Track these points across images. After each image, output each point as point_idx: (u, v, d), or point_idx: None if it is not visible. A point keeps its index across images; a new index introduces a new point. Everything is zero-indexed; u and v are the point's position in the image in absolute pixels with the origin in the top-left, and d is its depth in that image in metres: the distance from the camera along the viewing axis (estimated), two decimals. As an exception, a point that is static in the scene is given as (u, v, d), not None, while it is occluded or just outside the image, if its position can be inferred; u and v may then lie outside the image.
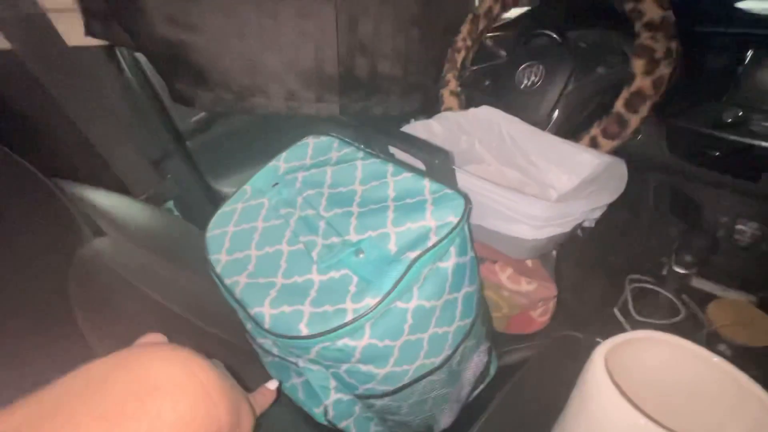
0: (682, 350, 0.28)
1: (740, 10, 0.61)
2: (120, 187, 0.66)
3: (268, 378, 0.43)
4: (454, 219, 0.34)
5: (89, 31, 0.57)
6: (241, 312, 0.38)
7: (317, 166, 0.46)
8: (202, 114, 0.85)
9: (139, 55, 0.66)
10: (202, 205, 0.79)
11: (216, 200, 0.80)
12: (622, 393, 0.25)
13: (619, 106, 0.55)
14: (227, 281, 0.38)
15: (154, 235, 0.51)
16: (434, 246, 0.33)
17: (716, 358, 0.27)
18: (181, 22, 0.57)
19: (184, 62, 0.60)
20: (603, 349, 0.28)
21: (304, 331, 0.31)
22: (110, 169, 0.64)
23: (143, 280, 0.40)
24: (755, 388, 0.26)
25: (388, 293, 0.31)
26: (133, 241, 0.45)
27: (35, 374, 0.30)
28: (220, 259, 0.41)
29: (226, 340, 0.43)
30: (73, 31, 0.56)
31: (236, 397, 0.20)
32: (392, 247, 0.34)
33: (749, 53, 0.55)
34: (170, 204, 0.77)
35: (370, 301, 0.31)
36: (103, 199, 0.50)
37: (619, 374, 0.26)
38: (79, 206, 0.43)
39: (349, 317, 0.31)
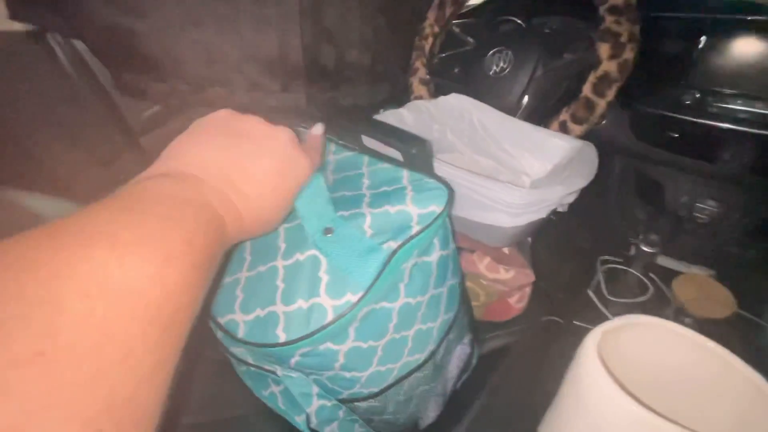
0: (672, 334, 0.28)
1: None
2: (65, 193, 0.59)
3: (245, 389, 0.40)
4: (437, 208, 0.32)
5: (13, 14, 0.50)
6: (209, 321, 0.35)
7: (286, 160, 0.43)
8: (157, 107, 0.78)
9: (77, 41, 0.59)
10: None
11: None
12: (615, 380, 0.24)
13: (586, 90, 0.56)
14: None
15: None
16: (417, 235, 0.31)
17: (710, 343, 0.28)
18: (126, 7, 0.52)
19: (131, 51, 0.54)
20: (594, 337, 0.27)
21: (282, 337, 0.29)
22: (53, 173, 0.58)
23: None
24: (749, 371, 0.27)
25: (369, 287, 0.29)
26: None
27: None
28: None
29: (194, 350, 0.40)
30: None
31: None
32: (367, 228, 0.31)
33: (702, 38, 0.56)
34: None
35: (351, 297, 0.29)
36: (45, 206, 0.45)
37: (608, 359, 0.26)
38: (18, 216, 0.38)
39: (329, 317, 0.28)
